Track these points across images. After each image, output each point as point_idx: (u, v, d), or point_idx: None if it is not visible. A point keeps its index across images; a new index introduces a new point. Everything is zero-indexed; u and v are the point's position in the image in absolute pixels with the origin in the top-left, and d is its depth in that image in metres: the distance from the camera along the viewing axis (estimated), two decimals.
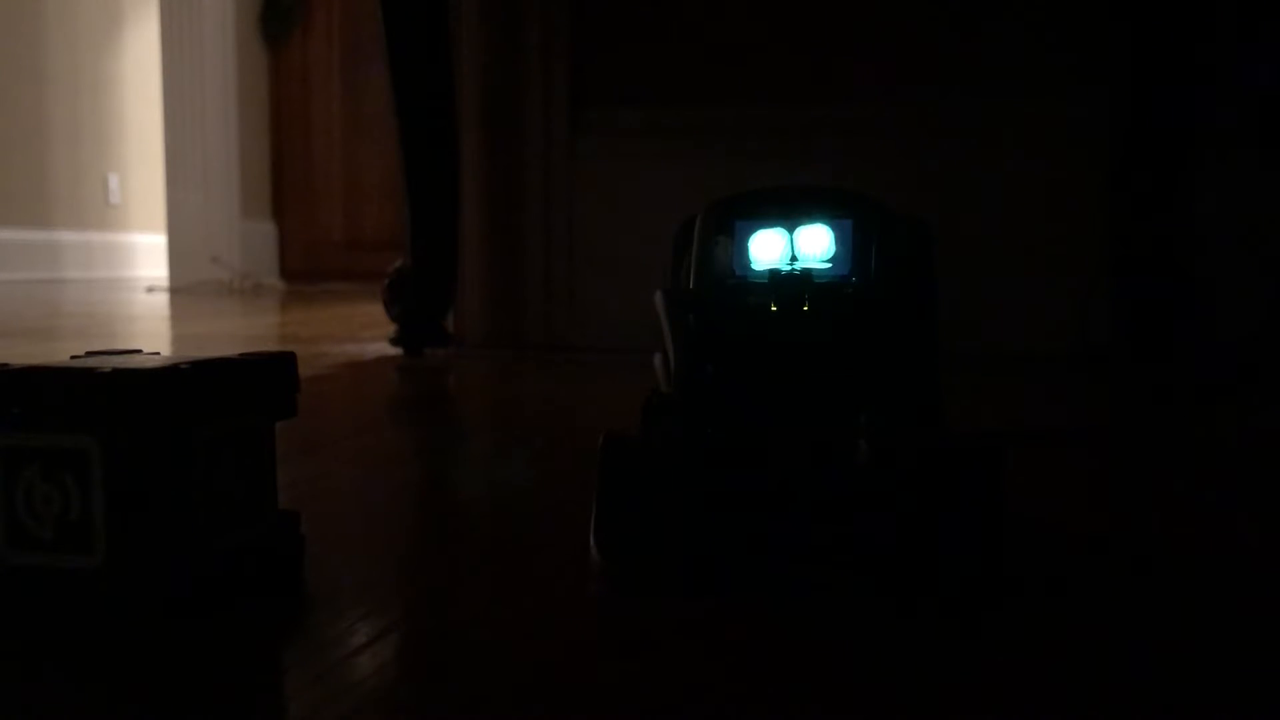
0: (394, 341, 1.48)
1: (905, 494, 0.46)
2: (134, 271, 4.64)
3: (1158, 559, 0.51)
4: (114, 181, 4.64)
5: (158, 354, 0.46)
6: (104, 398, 0.39)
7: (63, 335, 1.90)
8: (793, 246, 0.51)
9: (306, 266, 4.18)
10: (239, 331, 2.02)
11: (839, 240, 0.51)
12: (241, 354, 0.45)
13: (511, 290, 1.60)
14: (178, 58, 3.82)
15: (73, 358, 0.44)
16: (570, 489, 0.65)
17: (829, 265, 0.51)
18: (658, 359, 0.52)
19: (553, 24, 1.57)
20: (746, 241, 0.52)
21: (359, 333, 1.85)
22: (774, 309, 0.50)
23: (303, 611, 0.44)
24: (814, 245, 0.51)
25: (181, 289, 3.60)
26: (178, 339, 1.87)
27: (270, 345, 1.68)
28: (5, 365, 0.41)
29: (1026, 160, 1.46)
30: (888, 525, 0.45)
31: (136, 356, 0.45)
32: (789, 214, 0.51)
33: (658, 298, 0.51)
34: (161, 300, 3.06)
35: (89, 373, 0.40)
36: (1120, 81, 1.37)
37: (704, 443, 0.47)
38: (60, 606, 0.40)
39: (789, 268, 0.51)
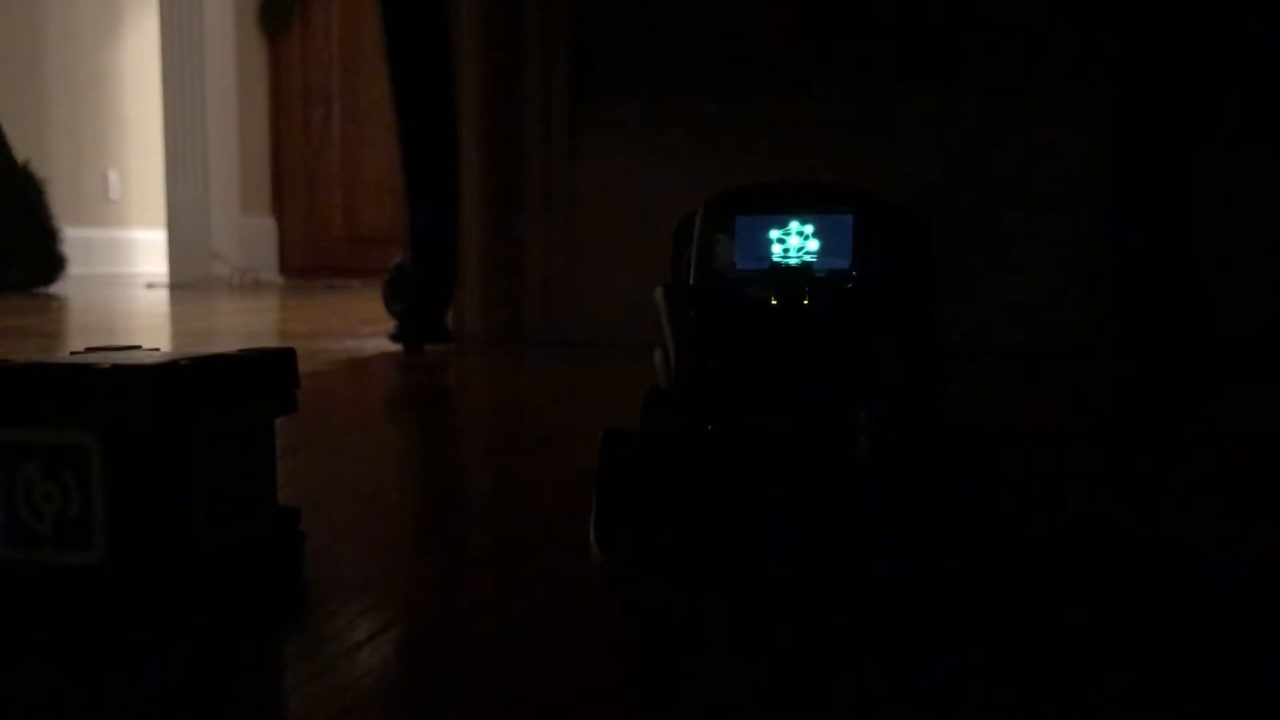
0: (394, 338, 1.48)
1: (904, 490, 0.46)
2: (133, 267, 4.64)
3: (1158, 557, 0.51)
4: (113, 177, 4.63)
5: (157, 350, 0.46)
6: (103, 394, 0.39)
7: (62, 332, 1.90)
8: (793, 241, 0.51)
9: (306, 262, 4.18)
10: (238, 327, 2.02)
11: (839, 235, 0.51)
12: (241, 350, 0.45)
13: (511, 286, 1.60)
14: (177, 53, 3.81)
15: (72, 354, 0.44)
16: (570, 485, 0.65)
17: (829, 260, 0.51)
18: (658, 355, 0.52)
19: (553, 20, 1.57)
20: (747, 236, 0.51)
21: (359, 329, 1.85)
22: (774, 303, 0.50)
23: (302, 607, 0.44)
24: (814, 240, 0.51)
25: (181, 285, 3.60)
26: (177, 335, 1.87)
27: (270, 341, 1.68)
28: (4, 361, 0.41)
29: (1026, 158, 1.46)
30: (887, 522, 0.45)
31: (136, 353, 0.45)
32: (789, 209, 0.51)
33: (658, 294, 0.51)
34: (161, 296, 3.06)
35: (88, 369, 0.40)
36: (1120, 80, 1.37)
37: (703, 439, 0.46)
38: (59, 603, 0.40)
39: (789, 262, 0.51)
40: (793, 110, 1.52)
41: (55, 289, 3.31)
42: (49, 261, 3.37)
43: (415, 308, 1.48)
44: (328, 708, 0.33)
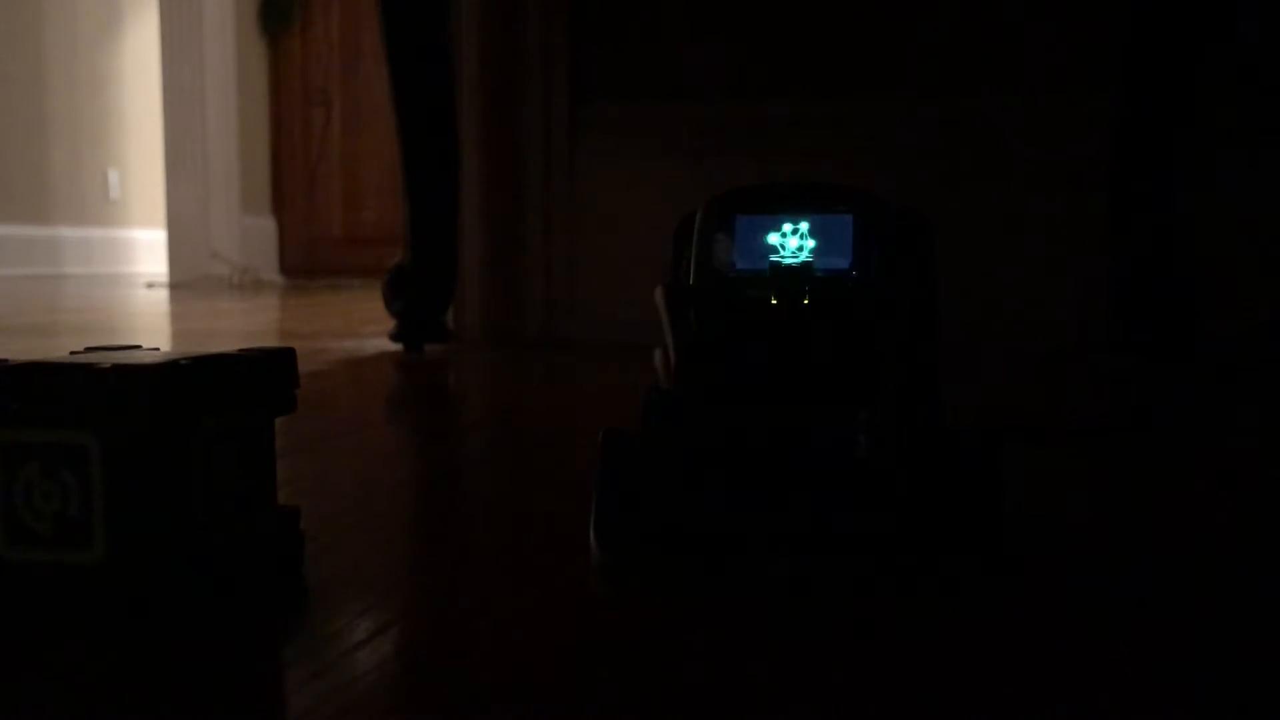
0: (394, 337, 1.48)
1: (905, 487, 0.46)
2: (134, 267, 4.64)
3: (1157, 553, 0.51)
4: (114, 177, 4.63)
5: (157, 350, 0.46)
6: (103, 394, 0.39)
7: (62, 331, 1.90)
8: (793, 241, 0.51)
9: (306, 262, 4.18)
10: (238, 327, 2.02)
11: (839, 234, 0.51)
12: (241, 350, 0.45)
13: (511, 286, 1.60)
14: (177, 53, 3.81)
15: (72, 354, 0.44)
16: (570, 484, 0.65)
17: (829, 260, 0.51)
18: (657, 354, 0.52)
19: (553, 20, 1.57)
20: (747, 236, 0.51)
21: (359, 328, 1.85)
22: (774, 302, 0.50)
23: (302, 607, 0.44)
24: (814, 239, 0.51)
25: (181, 284, 3.60)
26: (177, 334, 1.87)
27: (270, 341, 1.68)
28: (5, 361, 0.41)
29: (1027, 158, 1.46)
30: (887, 518, 0.45)
31: (136, 352, 0.45)
32: (789, 208, 0.51)
33: (658, 293, 0.51)
34: (161, 296, 3.06)
35: (89, 369, 0.40)
36: (1120, 80, 1.37)
37: (703, 437, 0.46)
38: (60, 603, 0.40)
39: (789, 262, 0.51)
40: (793, 111, 1.52)
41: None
42: None
43: (415, 308, 1.48)
44: (328, 708, 0.33)
